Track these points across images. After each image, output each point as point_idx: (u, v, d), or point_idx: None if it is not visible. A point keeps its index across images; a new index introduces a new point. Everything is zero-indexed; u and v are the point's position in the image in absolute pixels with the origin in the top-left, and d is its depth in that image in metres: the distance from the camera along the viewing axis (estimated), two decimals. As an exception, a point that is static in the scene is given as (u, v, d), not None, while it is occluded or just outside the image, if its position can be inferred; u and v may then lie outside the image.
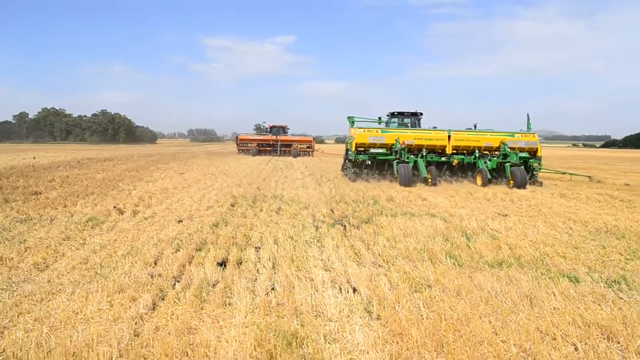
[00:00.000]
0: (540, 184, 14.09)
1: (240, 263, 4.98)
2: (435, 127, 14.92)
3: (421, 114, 17.65)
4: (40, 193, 9.72)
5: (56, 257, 5.15)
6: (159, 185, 11.59)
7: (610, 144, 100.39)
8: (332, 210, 8.25)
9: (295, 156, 31.38)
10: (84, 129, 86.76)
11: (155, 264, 4.91)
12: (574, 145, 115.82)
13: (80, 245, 5.69)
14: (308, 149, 33.61)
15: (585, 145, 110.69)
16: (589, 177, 16.59)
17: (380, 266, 4.94)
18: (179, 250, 5.37)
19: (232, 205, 8.70)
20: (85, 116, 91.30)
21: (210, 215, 7.62)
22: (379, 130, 14.55)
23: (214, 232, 6.42)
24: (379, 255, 5.34)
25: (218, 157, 28.36)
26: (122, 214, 7.69)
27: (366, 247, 5.76)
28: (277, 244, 5.79)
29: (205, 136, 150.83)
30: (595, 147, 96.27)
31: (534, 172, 14.41)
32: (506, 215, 8.12)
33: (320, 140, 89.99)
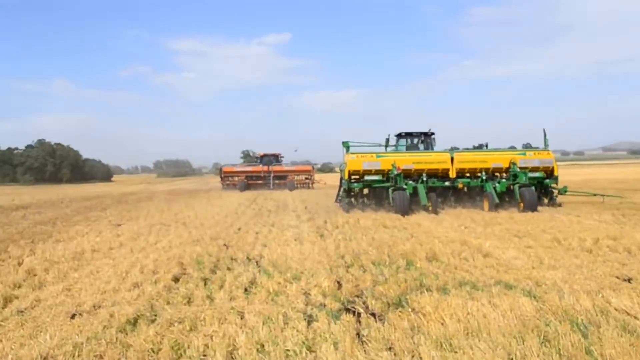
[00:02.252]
0: (559, 205, 16.55)
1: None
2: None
3: (433, 133, 20.14)
4: None
5: None
6: (72, 247, 10.05)
7: None
8: (338, 283, 6.63)
9: (291, 189, 33.56)
10: (15, 166, 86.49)
11: None
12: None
13: None
14: (307, 181, 36.30)
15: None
16: (619, 196, 18.99)
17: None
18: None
19: (175, 280, 7.10)
20: (16, 148, 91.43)
21: (132, 302, 5.98)
22: (374, 155, 16.68)
23: (123, 339, 4.73)
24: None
25: (183, 198, 27.37)
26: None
27: (399, 365, 4.04)
28: (230, 365, 4.11)
29: (177, 169, 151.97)
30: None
31: (553, 195, 17.01)
32: (630, 280, 6.39)
33: (330, 169, 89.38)
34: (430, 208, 15.31)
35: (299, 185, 35.96)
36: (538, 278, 6.59)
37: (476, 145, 17.43)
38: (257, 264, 8.14)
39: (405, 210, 15.03)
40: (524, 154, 16.98)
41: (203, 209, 19.06)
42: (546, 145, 17.49)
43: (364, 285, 6.47)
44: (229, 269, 7.80)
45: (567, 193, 17.53)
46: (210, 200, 24.99)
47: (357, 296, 6.05)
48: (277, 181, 35.61)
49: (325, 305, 5.66)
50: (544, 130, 17.55)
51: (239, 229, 12.59)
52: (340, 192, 18.35)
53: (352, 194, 17.96)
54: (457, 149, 17.10)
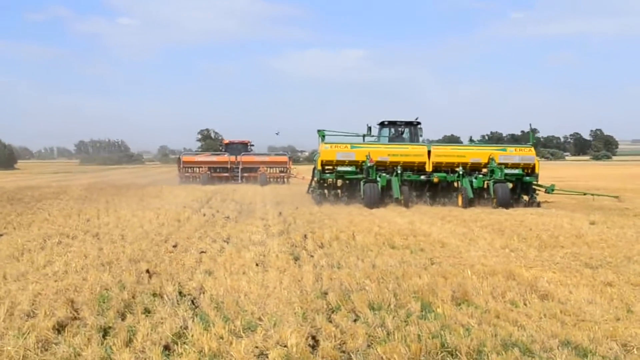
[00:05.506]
0: (538, 204, 21.05)
1: None
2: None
3: (419, 123, 25.41)
4: None
5: None
6: None
7: None
8: (313, 339, 6.02)
9: (263, 184, 36.89)
10: None
11: None
12: None
13: None
14: (282, 174, 40.14)
15: None
16: (616, 197, 23.03)
17: None
18: None
19: (58, 330, 6.49)
20: None
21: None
22: (348, 145, 21.28)
23: None
24: None
25: (107, 196, 27.28)
26: None
27: None
28: None
29: (109, 155, 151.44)
30: None
31: (533, 193, 21.71)
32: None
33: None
34: (402, 202, 19.86)
35: (272, 180, 39.07)
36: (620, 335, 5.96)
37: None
38: (192, 304, 7.59)
39: (373, 204, 19.59)
40: (504, 150, 21.71)
41: (130, 213, 18.50)
42: (532, 141, 22.60)
43: (353, 345, 5.86)
44: (147, 311, 7.22)
45: (554, 192, 22.40)
46: (144, 200, 24.67)
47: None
48: (246, 174, 39.07)
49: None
50: (530, 126, 23.73)
51: (175, 246, 12.03)
52: (313, 183, 23.18)
53: (325, 185, 22.40)
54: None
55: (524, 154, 21.49)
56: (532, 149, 21.85)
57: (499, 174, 20.31)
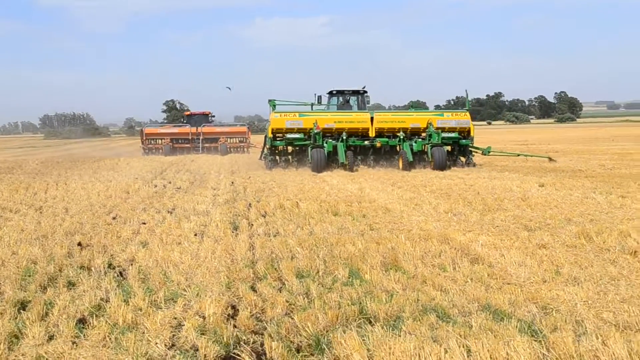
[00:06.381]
0: (474, 165, 23.16)
1: None
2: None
3: (365, 91, 27.62)
4: None
5: None
6: None
7: None
8: (233, 308, 5.97)
9: (224, 154, 38.27)
10: None
11: None
12: None
13: None
14: (241, 144, 41.68)
15: None
16: (548, 158, 24.69)
17: None
18: None
19: None
20: None
21: None
22: (297, 113, 23.23)
23: None
24: None
25: (59, 170, 26.84)
26: None
27: None
28: None
29: (73, 128, 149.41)
30: None
31: (470, 155, 23.69)
32: None
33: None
34: (347, 166, 21.54)
35: (231, 149, 40.99)
36: (542, 297, 5.95)
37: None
38: (120, 276, 7.40)
39: (321, 168, 21.35)
40: (442, 115, 23.93)
41: (80, 186, 18.14)
42: (468, 107, 24.93)
43: (272, 313, 5.75)
44: (70, 284, 7.02)
45: (490, 154, 24.33)
46: (97, 172, 24.30)
47: (255, 332, 5.30)
48: (207, 144, 40.62)
49: (197, 351, 4.85)
50: (466, 92, 25.23)
51: (115, 218, 11.77)
52: (265, 150, 24.75)
53: (276, 151, 24.10)
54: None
55: (459, 118, 23.54)
56: (467, 113, 23.90)
57: (436, 138, 22.00)
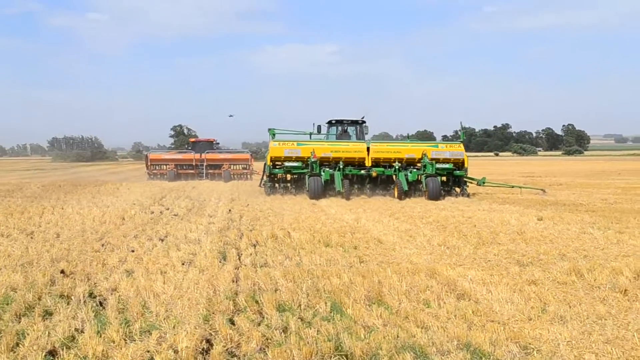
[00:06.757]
0: (468, 195, 23.60)
1: None
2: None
3: (364, 121, 28.37)
4: None
5: None
6: None
7: None
8: (207, 342, 5.76)
9: (227, 180, 39.03)
10: None
11: None
12: None
13: None
14: (245, 171, 41.99)
15: None
16: (542, 190, 25.34)
17: None
18: None
19: None
20: None
21: None
22: (295, 143, 23.93)
23: None
24: None
25: (58, 194, 26.72)
26: None
27: None
28: None
29: (81, 151, 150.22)
30: None
31: (464, 186, 24.19)
32: None
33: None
34: (344, 194, 22.22)
35: (235, 176, 41.17)
36: (524, 336, 5.79)
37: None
38: (100, 305, 7.26)
39: (317, 196, 22.01)
40: (437, 147, 24.59)
41: (76, 211, 18.03)
42: (462, 138, 26.74)
43: (246, 349, 5.58)
44: (47, 313, 6.89)
45: (484, 184, 24.88)
46: (97, 197, 24.19)
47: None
48: (210, 171, 40.89)
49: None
50: (460, 124, 26.99)
51: (103, 245, 11.62)
52: (264, 177, 25.55)
53: (275, 179, 25.01)
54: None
55: (453, 149, 24.23)
56: (462, 145, 24.67)
57: (431, 168, 22.83)
